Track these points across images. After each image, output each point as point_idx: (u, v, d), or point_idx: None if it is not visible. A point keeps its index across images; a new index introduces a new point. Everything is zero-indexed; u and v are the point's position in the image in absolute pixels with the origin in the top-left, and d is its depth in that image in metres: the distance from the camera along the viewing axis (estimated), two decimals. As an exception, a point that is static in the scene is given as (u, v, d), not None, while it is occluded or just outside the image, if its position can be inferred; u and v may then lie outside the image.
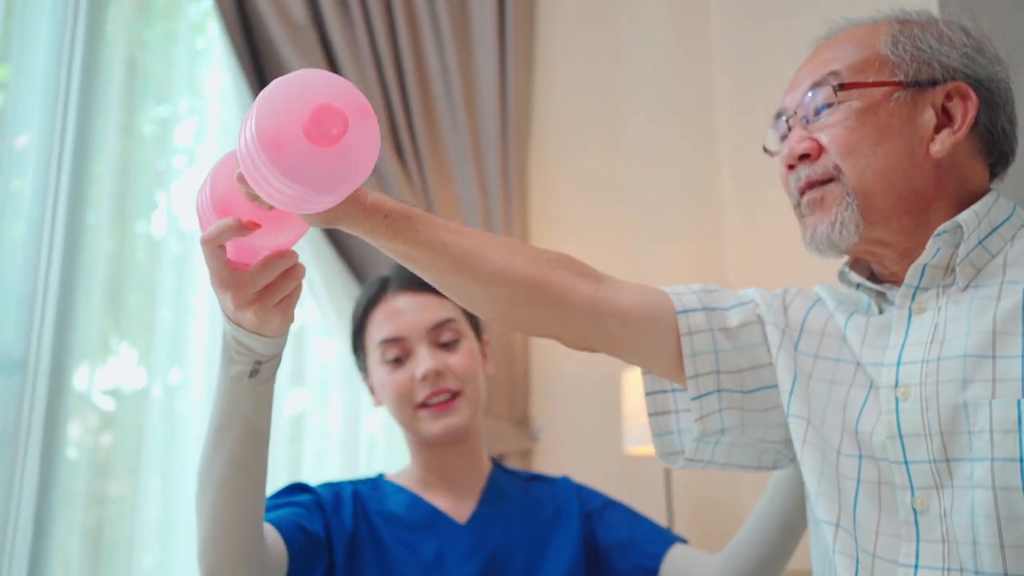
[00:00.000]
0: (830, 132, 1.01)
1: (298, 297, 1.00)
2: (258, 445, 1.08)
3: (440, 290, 1.05)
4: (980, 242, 0.98)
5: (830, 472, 1.02)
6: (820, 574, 1.06)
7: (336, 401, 2.38)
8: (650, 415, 1.15)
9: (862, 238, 1.01)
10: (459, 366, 1.40)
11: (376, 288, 1.45)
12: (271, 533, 1.20)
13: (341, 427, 2.37)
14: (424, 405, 1.38)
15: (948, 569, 0.90)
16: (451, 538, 1.38)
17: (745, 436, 1.11)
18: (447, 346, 1.41)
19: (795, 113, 1.05)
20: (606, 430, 2.49)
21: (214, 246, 0.93)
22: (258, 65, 2.31)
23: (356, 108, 0.86)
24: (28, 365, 1.87)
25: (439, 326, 1.41)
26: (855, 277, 1.08)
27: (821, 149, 1.02)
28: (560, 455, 2.48)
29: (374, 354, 1.42)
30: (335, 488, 1.41)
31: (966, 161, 1.02)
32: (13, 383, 1.85)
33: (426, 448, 1.43)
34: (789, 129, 1.06)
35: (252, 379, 1.03)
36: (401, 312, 1.41)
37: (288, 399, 2.30)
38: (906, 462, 0.95)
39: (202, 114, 2.33)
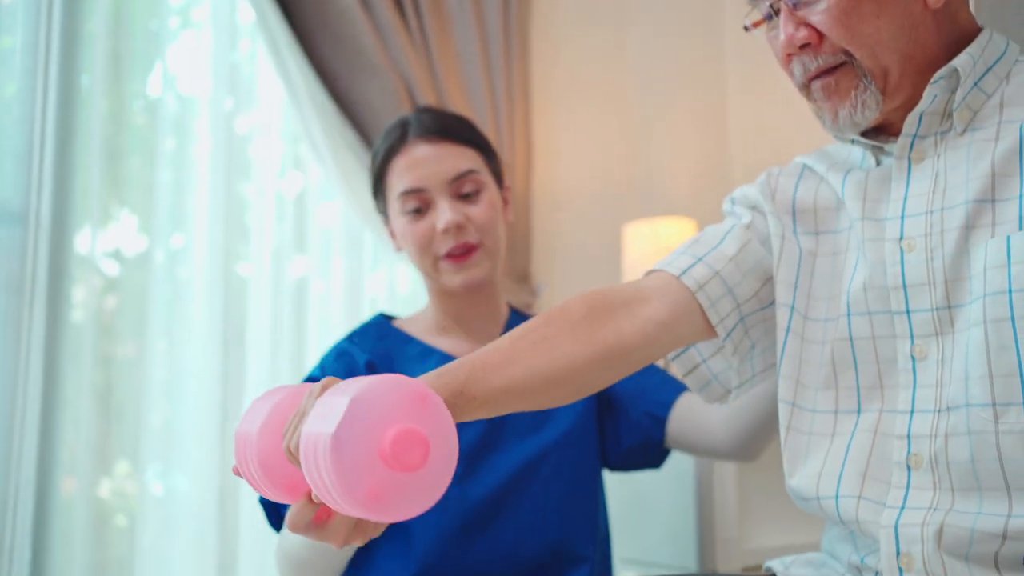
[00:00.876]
0: (827, 17, 0.96)
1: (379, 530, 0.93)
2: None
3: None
4: (975, 83, 0.96)
5: (813, 352, 1.04)
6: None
7: (338, 265, 2.39)
8: (684, 376, 1.18)
9: (882, 111, 0.99)
10: (480, 218, 1.39)
11: (397, 135, 1.42)
12: None
13: (343, 291, 2.38)
14: (447, 256, 1.39)
15: (938, 411, 0.92)
16: None
17: (771, 337, 1.14)
18: (467, 197, 1.40)
19: None
20: (607, 280, 2.51)
21: (302, 527, 0.87)
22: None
23: (434, 427, 0.79)
24: (29, 220, 1.87)
25: (460, 177, 1.39)
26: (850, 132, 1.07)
27: (821, 36, 0.97)
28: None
29: (395, 204, 1.41)
30: (348, 364, 1.39)
31: (956, 1, 0.99)
32: (15, 236, 1.86)
33: (446, 296, 1.44)
34: (775, 12, 1.01)
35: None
36: (421, 162, 1.39)
37: (291, 265, 2.31)
38: (908, 311, 0.96)
39: (194, -28, 2.27)
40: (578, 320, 1.02)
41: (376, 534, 0.90)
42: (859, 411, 1.00)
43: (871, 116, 0.98)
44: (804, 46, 0.99)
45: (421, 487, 0.78)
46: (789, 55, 1.01)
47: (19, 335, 1.85)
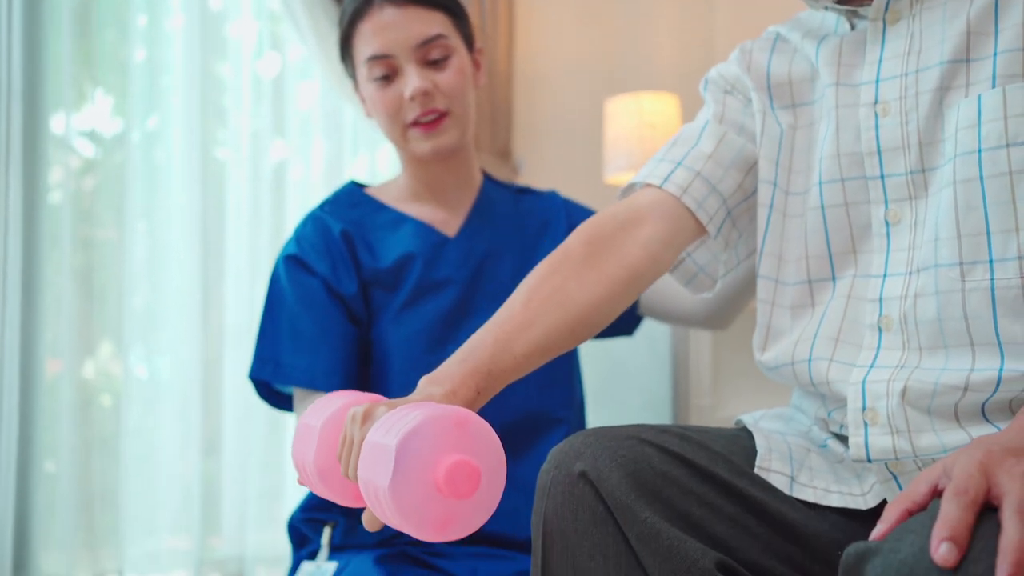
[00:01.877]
0: None
1: None
2: None
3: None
4: None
5: (792, 228, 1.05)
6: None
7: (318, 148, 2.37)
8: (671, 272, 1.18)
9: None
10: (447, 85, 1.36)
11: (361, 1, 1.38)
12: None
13: (323, 174, 2.37)
14: (415, 124, 1.37)
15: (909, 273, 0.93)
16: (440, 250, 1.42)
17: (756, 222, 1.14)
18: (436, 63, 1.37)
19: None
20: (587, 160, 2.51)
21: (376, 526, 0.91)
22: None
23: (487, 457, 0.84)
24: (0, 98, 1.83)
25: (427, 43, 1.35)
26: None
27: None
28: (542, 184, 2.49)
29: (362, 69, 1.39)
30: (324, 240, 1.40)
31: None
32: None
33: (417, 163, 1.43)
34: None
35: None
36: (388, 27, 1.35)
37: (270, 148, 2.29)
38: (882, 176, 0.96)
39: None
40: (581, 261, 1.04)
41: None
42: (833, 279, 1.01)
43: None
44: None
45: (481, 504, 0.84)
46: None
47: (-4, 216, 1.83)
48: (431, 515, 0.82)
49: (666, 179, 1.09)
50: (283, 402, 1.41)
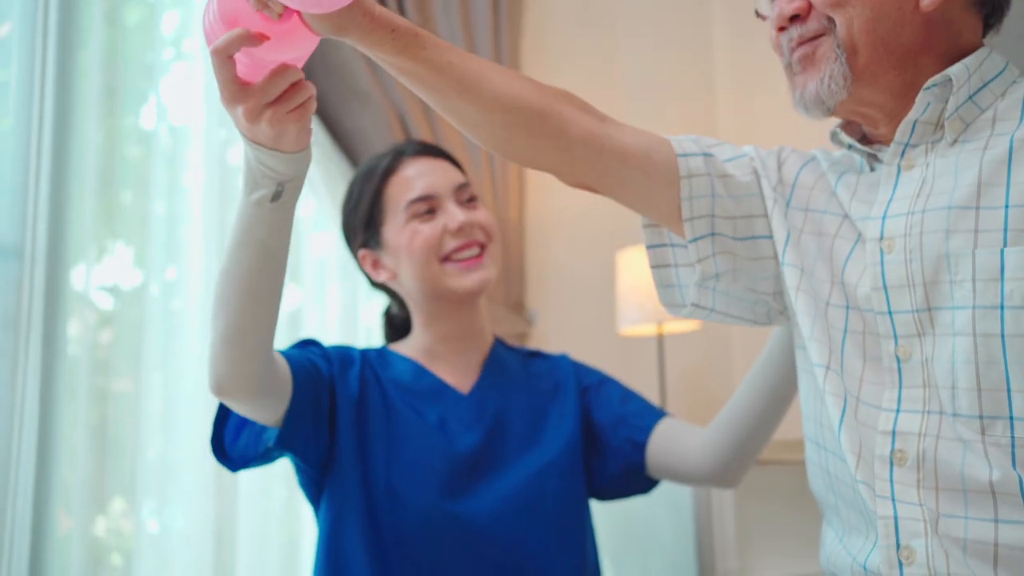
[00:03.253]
0: None
1: (312, 109, 1.00)
2: (275, 262, 1.09)
3: (441, 112, 1.08)
4: (970, 97, 0.98)
5: (821, 319, 1.04)
6: (810, 418, 1.09)
7: (334, 294, 2.38)
8: (652, 267, 1.18)
9: (851, 96, 1.01)
10: (485, 221, 1.44)
11: (392, 156, 1.47)
12: (279, 360, 1.23)
13: (339, 321, 2.37)
14: (448, 259, 1.41)
15: (927, 412, 0.93)
16: (454, 407, 1.42)
17: (737, 285, 1.14)
18: (470, 203, 1.45)
19: None
20: (601, 312, 2.52)
21: (224, 56, 0.91)
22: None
23: None
24: (24, 255, 1.85)
25: (462, 187, 1.45)
26: (845, 138, 1.10)
27: (810, 7, 1.02)
28: (556, 338, 2.52)
29: (398, 217, 1.42)
30: (344, 349, 1.44)
31: (958, 15, 1.01)
32: (11, 270, 1.84)
33: (441, 312, 1.45)
34: None
35: (274, 203, 1.03)
36: (426, 172, 1.44)
37: (285, 295, 2.29)
38: (890, 312, 0.97)
39: (187, 4, 2.26)
40: (550, 88, 1.08)
41: (287, 123, 0.97)
42: (845, 397, 1.00)
43: (837, 93, 1.01)
44: (794, 17, 1.03)
45: None
46: (780, 29, 1.05)
47: (15, 371, 1.82)
48: None
49: (685, 154, 1.11)
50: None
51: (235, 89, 0.94)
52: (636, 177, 1.10)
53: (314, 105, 1.01)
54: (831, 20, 1.00)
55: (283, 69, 0.95)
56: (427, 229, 1.41)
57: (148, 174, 2.12)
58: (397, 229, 1.43)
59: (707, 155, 1.13)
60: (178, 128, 2.18)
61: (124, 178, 2.10)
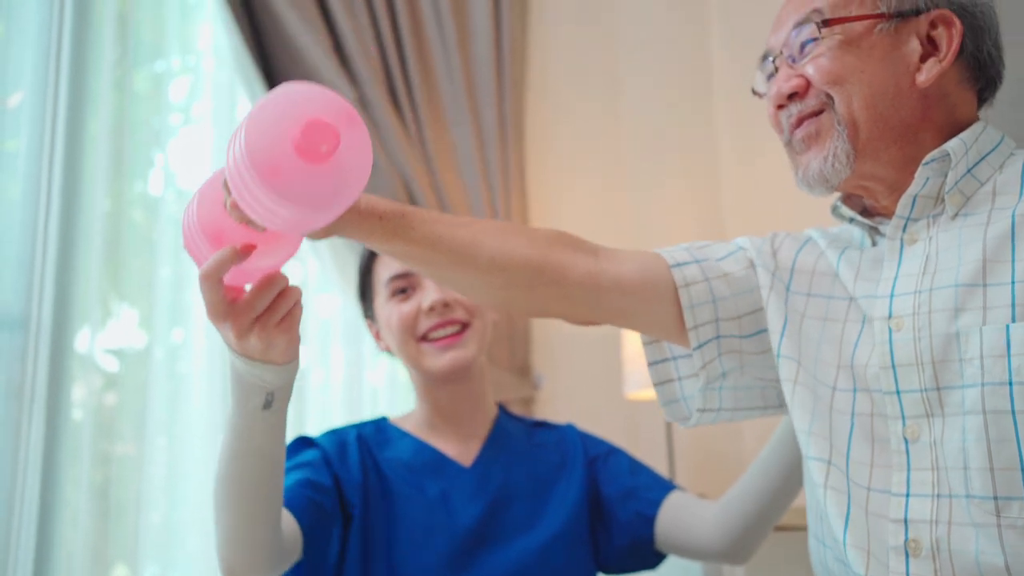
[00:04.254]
0: (815, 64, 1.01)
1: (299, 316, 0.98)
2: (273, 464, 1.07)
3: (438, 283, 1.07)
4: (969, 170, 0.98)
5: (822, 410, 1.03)
6: (813, 511, 1.07)
7: (338, 355, 2.38)
8: (655, 385, 1.17)
9: (854, 172, 1.01)
10: (467, 299, 1.39)
11: None
12: (285, 517, 1.21)
13: (343, 381, 2.37)
14: (426, 339, 1.39)
15: (938, 496, 0.91)
16: (456, 480, 1.40)
17: (745, 377, 1.13)
18: None
19: (780, 53, 1.05)
20: (607, 376, 2.51)
21: (214, 280, 0.90)
22: (252, 18, 2.28)
23: (344, 119, 0.84)
24: (30, 324, 1.87)
25: None
26: (847, 211, 1.10)
27: (808, 84, 1.02)
28: (562, 402, 2.50)
29: (382, 294, 1.42)
30: (339, 436, 1.42)
31: (953, 90, 1.02)
32: (16, 342, 1.85)
33: (432, 387, 1.43)
34: (776, 69, 1.06)
35: (266, 411, 1.01)
36: None
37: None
38: (898, 392, 0.96)
39: (196, 70, 2.30)
40: (540, 236, 1.07)
41: (276, 336, 0.95)
42: (848, 483, 0.99)
43: (841, 171, 1.00)
44: (792, 95, 1.03)
45: (323, 181, 0.82)
46: (779, 107, 1.05)
47: (18, 439, 1.83)
48: (287, 175, 0.79)
49: (678, 264, 1.10)
50: None
51: (223, 307, 0.92)
52: (636, 303, 1.09)
53: (300, 312, 0.98)
54: (829, 97, 1.01)
55: (269, 281, 0.93)
56: (403, 308, 1.40)
57: (154, 238, 2.14)
58: (381, 305, 1.43)
59: (700, 261, 1.12)
60: (185, 192, 2.20)
61: (130, 242, 2.12)
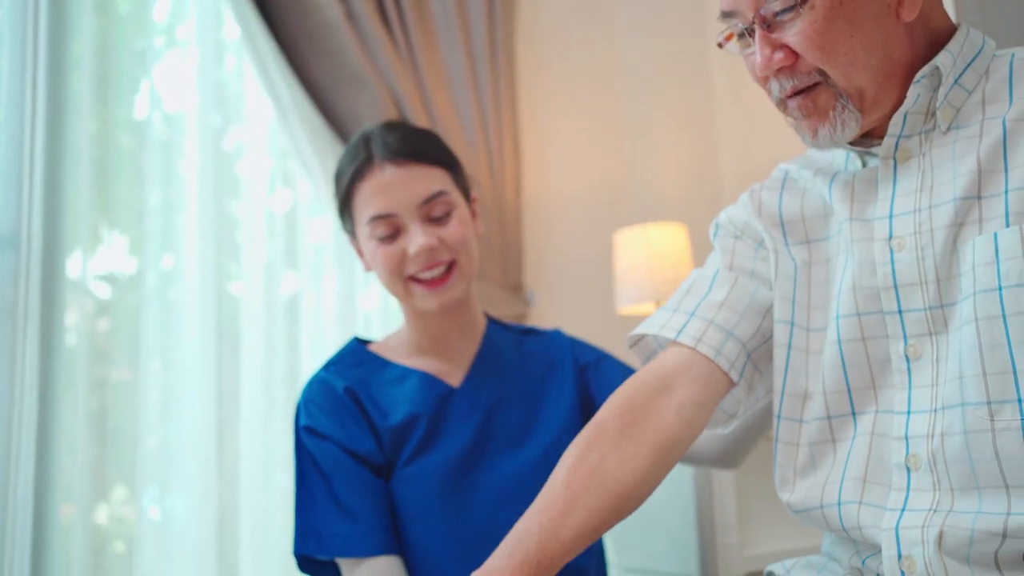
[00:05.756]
0: (802, 38, 0.95)
1: None
2: None
3: None
4: (956, 80, 0.97)
5: (813, 364, 1.04)
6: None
7: (330, 280, 2.38)
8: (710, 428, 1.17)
9: (862, 126, 0.99)
10: (452, 237, 1.36)
11: (362, 158, 1.38)
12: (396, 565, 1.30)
13: (336, 306, 2.37)
14: (415, 279, 1.36)
15: (935, 410, 0.92)
16: (446, 402, 1.40)
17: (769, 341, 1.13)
18: (438, 220, 1.37)
19: (753, 19, 0.98)
20: (599, 292, 2.51)
21: None
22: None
23: None
24: (20, 244, 1.85)
25: (430, 200, 1.36)
26: (830, 148, 1.07)
27: (796, 57, 0.97)
28: (554, 317, 2.51)
29: (364, 228, 1.38)
30: (332, 404, 1.39)
31: (927, 4, 0.98)
32: (7, 260, 1.84)
33: (421, 317, 1.42)
34: (749, 33, 1.00)
35: None
36: (390, 186, 1.35)
37: (283, 282, 2.30)
38: (900, 311, 0.95)
39: (179, -10, 2.25)
40: (618, 435, 1.03)
41: None
42: (854, 414, 1.00)
43: (851, 134, 0.98)
44: (780, 69, 0.98)
45: None
46: (766, 76, 1.00)
47: (13, 360, 1.82)
48: None
49: (681, 331, 1.09)
50: (326, 569, 1.36)
51: None
52: (707, 398, 1.08)
53: None
54: (822, 72, 0.96)
55: None
56: (388, 252, 1.36)
57: (142, 162, 2.11)
58: (364, 239, 1.39)
59: (693, 312, 1.10)
60: (172, 116, 2.17)
61: (118, 167, 2.10)
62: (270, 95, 2.23)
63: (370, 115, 2.26)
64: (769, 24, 0.97)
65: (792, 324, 1.06)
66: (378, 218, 1.35)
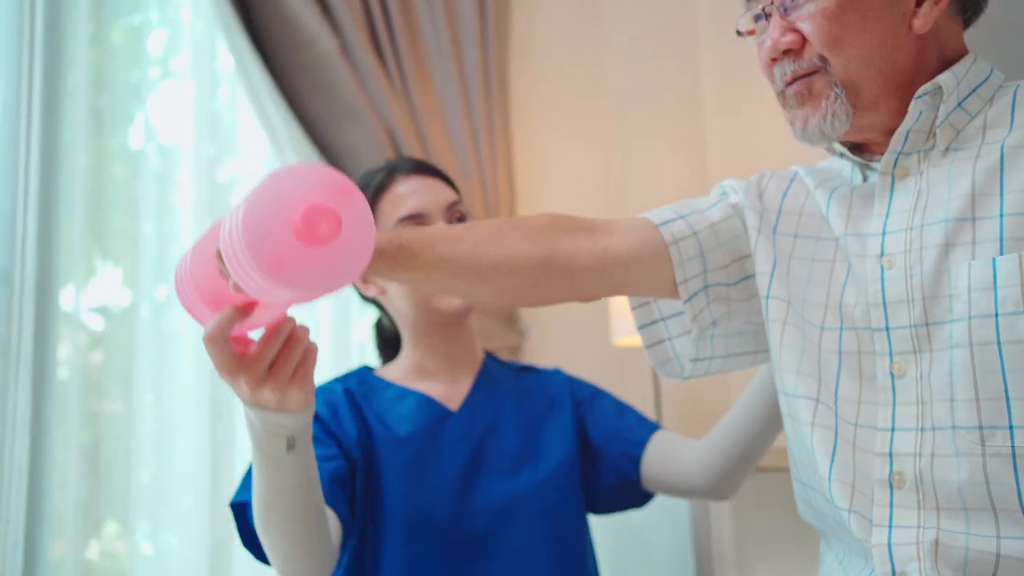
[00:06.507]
0: (813, 23, 0.99)
1: (313, 364, 0.98)
2: (312, 496, 1.09)
3: (450, 295, 1.06)
4: (959, 103, 0.98)
5: (811, 350, 1.03)
6: (796, 461, 1.08)
7: (325, 311, 2.37)
8: (647, 347, 1.19)
9: (853, 126, 1.01)
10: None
11: (384, 174, 1.47)
12: (332, 524, 1.25)
13: (330, 336, 2.37)
14: None
15: (922, 429, 0.93)
16: (444, 424, 1.42)
17: (733, 322, 1.15)
18: (460, 223, 1.42)
19: (772, 1, 1.03)
20: (594, 323, 2.51)
21: (220, 341, 0.90)
22: (229, -31, 2.23)
23: (343, 197, 0.82)
24: (14, 280, 1.84)
25: (453, 205, 1.45)
26: (839, 147, 1.09)
27: (804, 41, 1.00)
28: (549, 350, 2.51)
29: None
30: (327, 396, 1.43)
31: (943, 25, 1.01)
32: (1, 295, 1.82)
33: (431, 330, 1.45)
34: (766, 15, 1.04)
35: (291, 451, 1.02)
36: (419, 190, 1.44)
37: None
38: (887, 328, 0.97)
39: (174, 22, 2.26)
40: (537, 227, 1.06)
41: (290, 388, 0.94)
42: (836, 418, 1.00)
43: (840, 128, 1.00)
44: (787, 51, 1.02)
45: (329, 263, 0.81)
46: (772, 60, 1.04)
47: (5, 395, 1.81)
48: (275, 245, 0.78)
49: (664, 223, 1.11)
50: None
51: (233, 363, 0.92)
52: (639, 272, 1.10)
53: (314, 358, 0.97)
54: (823, 59, 0.99)
55: (275, 329, 0.92)
56: None
57: (136, 194, 2.11)
58: None
59: (685, 216, 1.13)
60: (166, 147, 2.17)
61: (113, 199, 2.09)
62: (265, 128, 2.23)
63: (364, 148, 2.27)
64: (786, 7, 1.01)
65: (789, 304, 1.07)
66: (409, 217, 1.41)
